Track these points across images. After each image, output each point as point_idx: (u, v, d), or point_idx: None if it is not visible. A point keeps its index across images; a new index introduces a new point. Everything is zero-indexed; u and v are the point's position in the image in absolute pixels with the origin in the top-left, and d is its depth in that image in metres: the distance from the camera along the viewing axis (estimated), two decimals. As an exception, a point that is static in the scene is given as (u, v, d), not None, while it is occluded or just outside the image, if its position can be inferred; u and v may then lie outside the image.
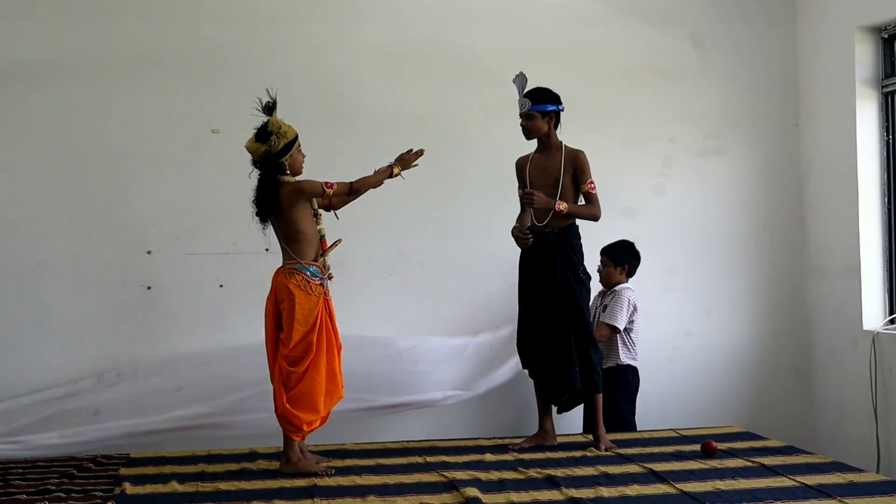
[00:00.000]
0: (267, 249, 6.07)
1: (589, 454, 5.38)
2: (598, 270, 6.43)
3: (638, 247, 6.53)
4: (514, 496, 4.48)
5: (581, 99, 6.87)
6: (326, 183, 5.05)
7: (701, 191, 7.11)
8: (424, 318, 6.65)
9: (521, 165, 5.88)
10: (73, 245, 6.35)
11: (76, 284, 6.33)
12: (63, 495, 4.59)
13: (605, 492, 4.54)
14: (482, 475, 4.86)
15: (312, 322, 4.94)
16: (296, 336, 4.91)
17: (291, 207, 5.02)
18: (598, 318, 6.37)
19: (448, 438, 5.92)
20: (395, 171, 5.28)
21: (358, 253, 6.42)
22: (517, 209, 6.79)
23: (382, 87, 6.70)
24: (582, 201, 5.72)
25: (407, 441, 5.78)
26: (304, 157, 5.17)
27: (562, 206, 5.53)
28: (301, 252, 5.01)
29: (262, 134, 5.05)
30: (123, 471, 5.07)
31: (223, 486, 4.71)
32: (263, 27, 6.61)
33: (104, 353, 6.31)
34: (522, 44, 6.88)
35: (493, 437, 5.94)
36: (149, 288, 6.38)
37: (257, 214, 5.11)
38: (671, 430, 6.11)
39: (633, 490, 4.58)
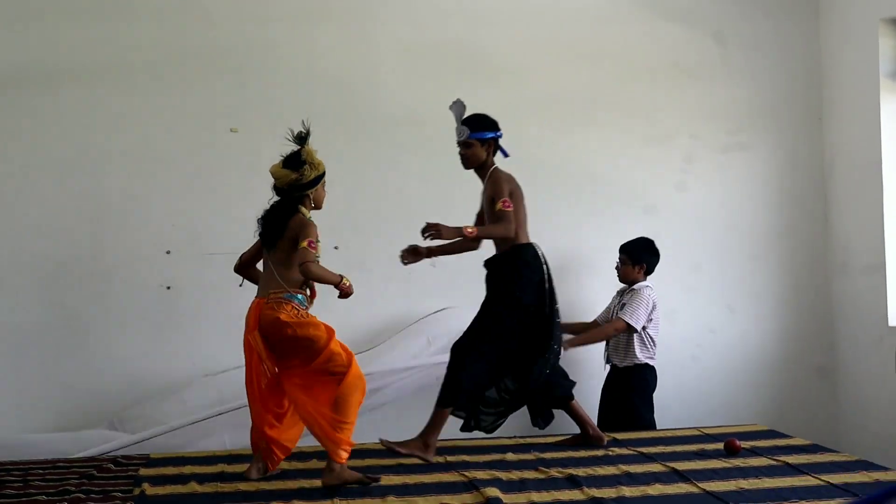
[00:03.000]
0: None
1: (611, 453, 5.32)
2: (616, 267, 6.39)
3: (660, 244, 6.48)
4: (535, 496, 4.45)
5: (602, 96, 6.91)
6: (311, 243, 4.80)
7: (723, 187, 7.07)
8: (440, 318, 6.61)
9: None
10: (92, 246, 6.36)
11: (96, 285, 6.33)
12: (83, 496, 4.57)
13: (627, 491, 4.49)
14: (503, 475, 4.82)
15: (325, 334, 4.79)
16: (312, 355, 4.76)
17: (296, 240, 4.83)
18: (615, 315, 6.34)
19: (469, 438, 5.88)
20: (345, 281, 4.85)
21: (380, 251, 6.39)
22: (537, 205, 6.76)
23: (400, 86, 6.69)
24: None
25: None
26: (325, 194, 5.09)
27: (469, 230, 5.26)
28: (291, 280, 4.85)
29: (294, 161, 4.93)
30: (143, 471, 5.05)
31: (243, 486, 4.69)
32: (281, 27, 6.61)
33: (124, 353, 6.32)
34: (541, 42, 6.88)
35: (514, 437, 5.92)
36: (168, 288, 6.38)
37: (264, 239, 4.98)
38: (694, 428, 6.06)
39: (655, 489, 4.54)
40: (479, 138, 5.43)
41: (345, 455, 4.66)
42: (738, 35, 7.10)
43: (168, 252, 6.39)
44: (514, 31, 6.87)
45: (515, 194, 5.42)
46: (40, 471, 5.22)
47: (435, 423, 5.22)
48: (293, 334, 4.78)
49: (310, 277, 4.82)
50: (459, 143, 5.47)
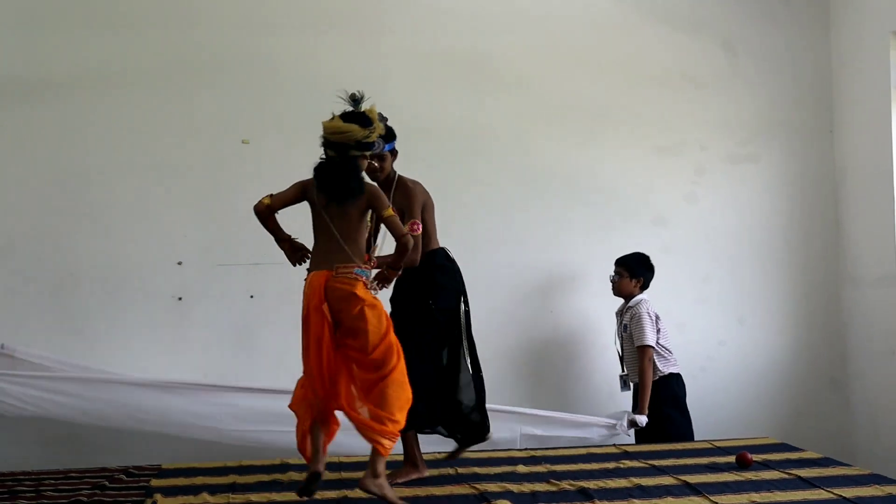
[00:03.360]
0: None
1: (622, 466, 5.30)
2: (612, 280, 6.38)
3: (669, 256, 6.51)
4: (546, 509, 4.43)
5: (611, 106, 6.91)
6: (395, 211, 4.59)
7: (734, 198, 7.06)
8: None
9: None
10: (104, 256, 6.37)
11: (108, 295, 6.34)
12: (95, 507, 4.60)
13: (639, 504, 4.50)
14: (514, 487, 4.81)
15: (386, 322, 4.52)
16: (373, 340, 4.44)
17: (367, 209, 4.55)
18: (621, 340, 6.37)
19: (479, 450, 5.87)
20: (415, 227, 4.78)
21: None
22: (546, 216, 6.80)
23: (408, 96, 6.68)
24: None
25: (438, 452, 5.74)
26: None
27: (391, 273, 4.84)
28: (359, 253, 4.52)
29: (362, 118, 4.55)
30: (155, 482, 5.06)
31: (254, 497, 4.69)
32: (292, 37, 6.62)
33: (135, 363, 6.32)
34: (551, 52, 6.89)
35: (526, 449, 5.90)
36: (180, 298, 6.39)
37: (334, 195, 4.49)
38: (706, 441, 6.04)
39: (666, 502, 4.52)
40: (391, 150, 5.10)
41: (389, 446, 4.41)
42: (749, 45, 7.09)
43: (180, 263, 6.40)
44: (523, 40, 6.88)
45: (428, 204, 5.19)
46: (52, 480, 5.24)
47: (407, 446, 5.10)
48: (364, 314, 4.45)
49: (407, 251, 4.57)
50: (377, 156, 4.95)
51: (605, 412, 6.41)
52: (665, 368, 6.24)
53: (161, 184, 6.44)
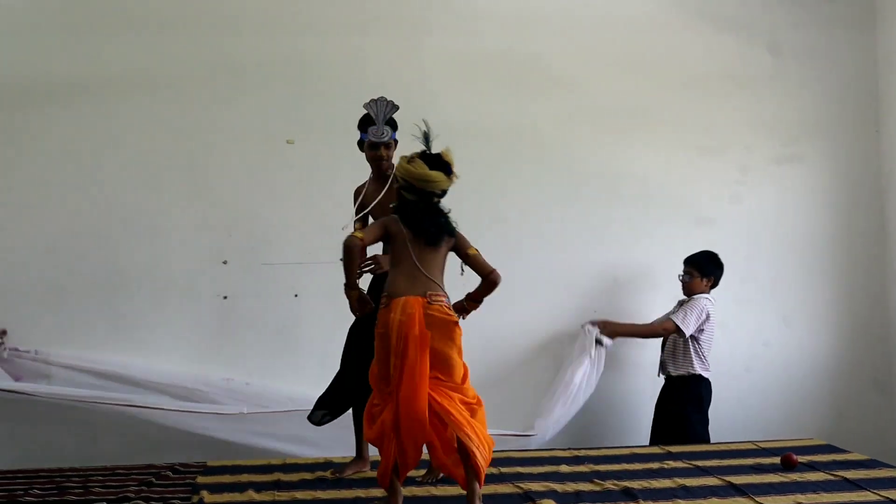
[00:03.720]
0: (342, 259, 6.10)
1: (666, 467, 5.28)
2: (682, 280, 6.37)
3: (714, 255, 6.48)
4: (591, 509, 4.44)
5: (655, 107, 6.89)
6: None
7: (778, 199, 7.02)
8: (500, 324, 6.62)
9: (357, 195, 5.29)
10: (150, 255, 6.43)
11: (154, 294, 6.40)
12: (142, 502, 4.64)
13: (684, 504, 4.48)
14: (558, 486, 4.81)
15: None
16: (460, 370, 4.40)
17: (453, 249, 4.56)
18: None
19: (522, 449, 5.89)
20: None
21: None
22: (590, 217, 6.78)
23: (455, 96, 6.71)
24: None
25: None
26: None
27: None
28: (442, 284, 4.47)
29: (445, 166, 4.54)
30: (201, 479, 5.11)
31: (299, 495, 4.72)
32: (336, 39, 6.65)
33: (181, 361, 6.38)
34: (594, 52, 6.88)
35: (569, 448, 5.89)
36: (225, 297, 6.44)
37: (430, 238, 4.47)
38: (750, 442, 6.00)
39: (711, 503, 4.50)
40: (395, 139, 5.16)
41: (482, 468, 4.31)
42: (794, 45, 7.05)
43: (225, 262, 6.45)
44: (566, 41, 6.87)
45: None
46: (100, 477, 5.29)
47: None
48: (456, 343, 4.41)
49: (495, 287, 4.59)
50: (382, 145, 5.11)
51: (641, 414, 6.44)
52: (698, 368, 6.24)
53: (207, 184, 6.50)
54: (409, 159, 4.54)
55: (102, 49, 6.48)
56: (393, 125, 5.11)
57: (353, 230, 4.71)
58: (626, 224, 6.84)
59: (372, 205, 5.15)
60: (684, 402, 6.24)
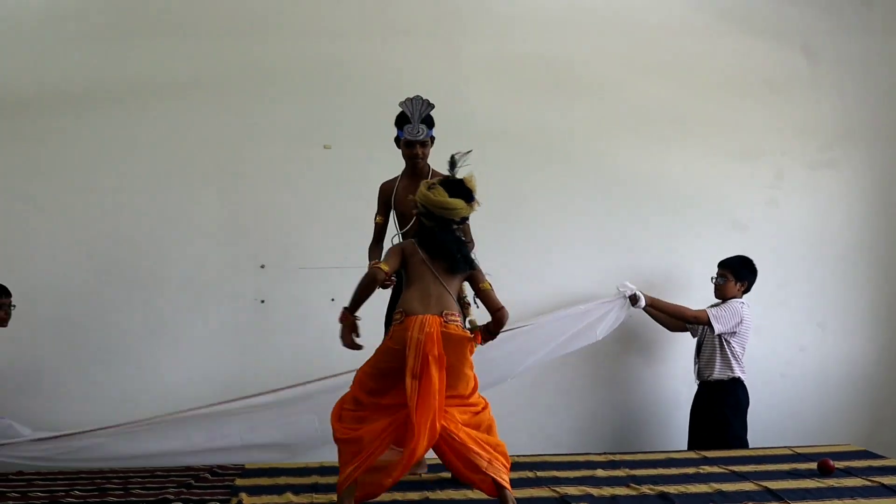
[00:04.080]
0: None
1: (702, 471, 5.28)
2: (715, 283, 6.37)
3: (749, 260, 6.47)
4: (627, 513, 4.45)
5: (690, 112, 6.89)
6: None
7: (814, 204, 7.00)
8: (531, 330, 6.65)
9: (386, 191, 5.37)
10: (189, 259, 6.48)
11: (193, 298, 6.45)
12: (181, 504, 4.71)
13: (721, 510, 4.48)
14: (594, 491, 4.82)
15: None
16: (472, 384, 4.52)
17: (469, 279, 4.63)
18: (702, 332, 6.42)
19: (558, 453, 5.90)
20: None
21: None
22: (623, 222, 6.79)
23: (489, 100, 6.73)
24: None
25: (516, 455, 5.76)
26: None
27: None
28: (457, 306, 4.56)
29: (466, 193, 4.64)
30: (239, 481, 5.15)
31: (336, 498, 4.74)
32: (373, 43, 6.68)
33: (219, 365, 6.44)
34: (628, 57, 6.88)
35: (605, 453, 5.90)
36: (262, 301, 6.49)
37: (451, 266, 4.55)
38: (786, 447, 5.99)
39: (749, 508, 4.52)
40: (432, 136, 5.29)
41: (507, 476, 4.39)
42: (829, 50, 7.03)
43: (262, 266, 6.50)
44: (600, 45, 6.88)
45: None
46: (139, 479, 5.35)
47: None
48: (468, 358, 4.49)
49: (503, 324, 4.54)
50: (418, 143, 5.22)
51: (676, 419, 6.44)
52: (736, 371, 6.23)
53: (244, 188, 6.54)
54: (430, 186, 4.62)
55: (138, 54, 6.54)
56: (429, 123, 5.23)
57: (376, 262, 4.71)
58: (660, 229, 6.84)
59: (392, 197, 5.31)
60: (723, 406, 6.23)
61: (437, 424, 4.29)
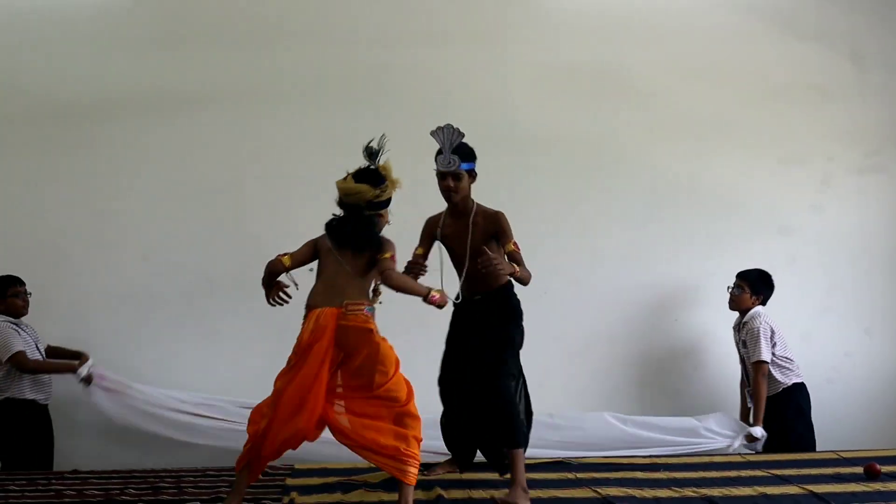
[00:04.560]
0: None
1: (744, 475, 5.28)
2: (731, 292, 6.38)
3: (795, 266, 6.51)
4: (672, 514, 4.47)
5: (736, 117, 6.92)
6: (394, 257, 4.63)
7: (861, 209, 7.00)
8: (580, 334, 6.71)
9: (432, 225, 5.27)
10: (239, 263, 6.56)
11: (242, 302, 6.53)
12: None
13: (766, 512, 4.48)
14: (636, 492, 4.84)
15: (395, 360, 4.57)
16: (381, 378, 4.48)
17: (376, 254, 4.62)
18: (741, 355, 6.39)
19: (600, 455, 5.94)
20: (434, 293, 4.67)
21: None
22: (670, 227, 6.81)
23: (536, 107, 6.80)
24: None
25: (559, 457, 5.82)
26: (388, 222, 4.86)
27: (515, 268, 4.94)
28: (367, 292, 4.63)
29: (375, 177, 4.73)
30: (290, 481, 5.22)
31: (385, 496, 4.81)
32: (420, 50, 6.78)
33: (268, 364, 6.51)
34: (675, 63, 6.93)
35: (649, 456, 5.92)
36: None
37: (351, 247, 4.64)
38: (831, 451, 5.98)
39: (794, 511, 4.51)
40: (469, 169, 5.03)
41: (413, 473, 4.41)
42: (876, 56, 7.04)
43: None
44: (647, 51, 6.93)
45: None
46: (191, 478, 5.46)
47: (518, 465, 4.80)
48: (377, 350, 4.49)
49: (391, 285, 4.56)
50: (450, 175, 5.01)
51: (728, 423, 6.44)
52: (787, 379, 6.24)
53: (294, 192, 6.63)
54: (344, 177, 4.73)
55: (189, 64, 6.71)
56: (463, 155, 4.98)
57: (281, 254, 4.90)
58: (707, 234, 6.88)
59: (438, 232, 5.25)
60: (785, 413, 6.25)
61: (313, 415, 4.46)
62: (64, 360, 6.15)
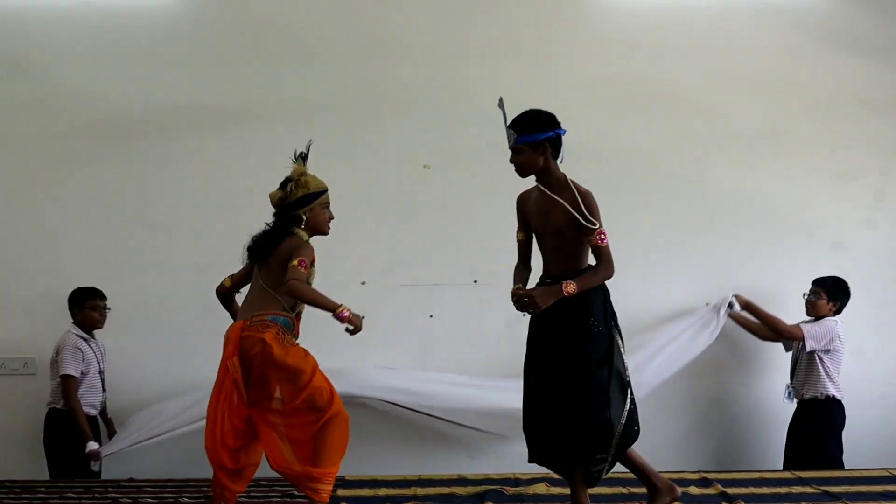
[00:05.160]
0: (475, 281, 6.29)
1: (794, 491, 5.29)
2: (807, 299, 6.38)
3: (848, 281, 6.44)
4: (720, 530, 4.49)
5: (787, 131, 6.89)
6: (302, 263, 4.58)
7: (915, 225, 6.94)
8: (631, 348, 6.71)
9: (522, 202, 4.81)
10: (293, 276, 6.68)
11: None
12: (285, 512, 4.90)
13: (815, 529, 4.49)
14: (684, 508, 4.85)
15: (310, 368, 4.57)
16: (303, 383, 4.51)
17: (288, 260, 4.60)
18: (797, 352, 6.42)
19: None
20: (344, 309, 4.65)
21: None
22: (720, 242, 6.81)
23: (586, 121, 6.77)
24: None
25: (612, 472, 5.83)
26: (330, 216, 4.90)
27: (570, 287, 4.42)
28: (278, 303, 4.65)
29: (283, 181, 4.82)
30: (340, 492, 5.31)
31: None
32: (471, 64, 6.82)
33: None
34: (726, 76, 6.91)
35: (699, 471, 5.93)
36: (363, 317, 6.64)
37: (253, 255, 4.77)
38: (883, 469, 5.94)
39: (840, 528, 4.52)
40: (530, 142, 4.57)
41: (328, 492, 4.48)
42: (930, 69, 6.99)
43: (363, 283, 6.66)
44: (698, 65, 6.92)
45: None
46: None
47: (643, 468, 4.64)
48: (277, 361, 4.48)
49: (295, 295, 4.52)
50: (511, 149, 4.65)
51: (775, 438, 6.45)
52: (831, 389, 6.24)
53: (349, 206, 6.67)
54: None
55: (246, 77, 6.82)
56: (519, 128, 4.64)
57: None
58: (757, 249, 6.85)
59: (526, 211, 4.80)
60: (818, 425, 6.23)
61: (214, 433, 4.55)
62: (86, 428, 6.16)
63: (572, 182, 4.61)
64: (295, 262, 4.51)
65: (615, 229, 6.65)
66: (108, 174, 6.82)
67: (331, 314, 4.60)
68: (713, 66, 6.92)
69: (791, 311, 6.50)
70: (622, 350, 4.65)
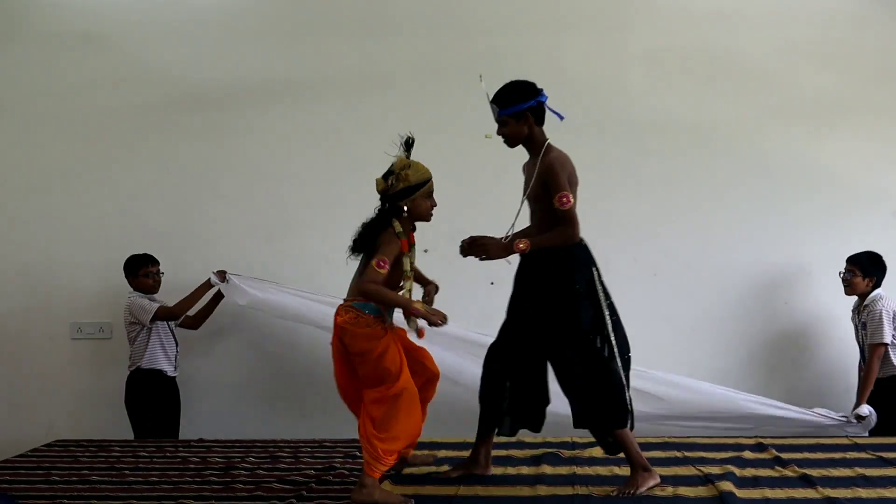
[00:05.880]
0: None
1: (848, 457, 5.28)
2: (843, 278, 6.36)
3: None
4: (768, 492, 4.52)
5: (853, 100, 6.87)
6: (380, 263, 4.60)
7: (984, 191, 6.85)
8: (690, 315, 6.79)
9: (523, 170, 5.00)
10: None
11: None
12: (346, 472, 5.05)
13: (863, 493, 4.49)
14: (737, 471, 4.90)
15: (380, 348, 4.57)
16: (370, 360, 4.56)
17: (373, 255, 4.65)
18: (861, 337, 6.35)
19: (708, 436, 6.00)
20: (416, 305, 4.62)
21: (624, 252, 6.62)
22: (785, 210, 6.80)
23: (649, 92, 6.86)
24: None
25: (668, 437, 5.91)
26: (433, 204, 4.92)
27: (521, 244, 4.67)
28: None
29: (386, 172, 4.83)
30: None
31: (496, 470, 5.00)
32: (534, 36, 6.91)
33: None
34: (791, 46, 6.90)
35: (756, 437, 5.93)
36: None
37: (352, 247, 4.79)
38: (940, 437, 5.92)
39: (893, 493, 4.51)
40: (511, 113, 4.81)
41: (380, 470, 4.51)
42: None
43: (426, 251, 6.75)
44: (763, 35, 6.92)
45: (571, 181, 4.67)
46: (308, 448, 5.76)
47: (629, 445, 4.63)
48: (348, 342, 4.58)
49: (368, 298, 4.58)
50: (496, 122, 4.89)
51: (841, 405, 6.42)
52: (893, 371, 6.21)
53: (410, 177, 6.83)
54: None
55: (313, 51, 7.01)
56: (501, 101, 4.92)
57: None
58: (822, 218, 6.85)
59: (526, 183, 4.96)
60: (892, 403, 6.21)
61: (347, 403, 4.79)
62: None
63: (548, 146, 4.73)
64: (374, 263, 4.60)
65: (675, 199, 6.77)
66: (179, 147, 7.04)
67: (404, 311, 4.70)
68: (775, 36, 6.90)
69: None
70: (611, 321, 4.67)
